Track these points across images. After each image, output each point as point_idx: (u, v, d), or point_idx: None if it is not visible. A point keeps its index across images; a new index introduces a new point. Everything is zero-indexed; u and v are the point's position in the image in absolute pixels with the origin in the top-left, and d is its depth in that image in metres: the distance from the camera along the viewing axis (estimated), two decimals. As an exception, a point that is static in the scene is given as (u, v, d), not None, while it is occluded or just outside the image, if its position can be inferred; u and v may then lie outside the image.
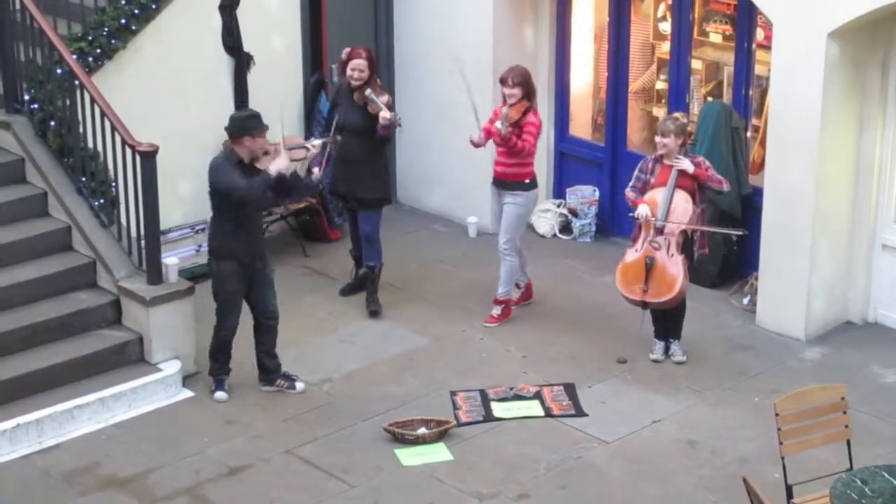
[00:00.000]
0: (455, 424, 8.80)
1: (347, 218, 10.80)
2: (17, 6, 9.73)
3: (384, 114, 9.86)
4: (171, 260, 9.43)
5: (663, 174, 9.39)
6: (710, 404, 9.11)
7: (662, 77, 11.34)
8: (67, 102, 9.57)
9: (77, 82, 9.42)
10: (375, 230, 10.29)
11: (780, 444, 7.17)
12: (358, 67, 9.98)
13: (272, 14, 11.22)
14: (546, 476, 8.31)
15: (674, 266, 9.36)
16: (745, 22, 10.47)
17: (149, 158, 9.02)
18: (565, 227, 11.85)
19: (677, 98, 11.01)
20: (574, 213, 11.75)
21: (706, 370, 9.54)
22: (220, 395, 9.11)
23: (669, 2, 11.06)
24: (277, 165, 8.69)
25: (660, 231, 9.38)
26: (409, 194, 12.37)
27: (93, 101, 9.33)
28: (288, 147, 9.01)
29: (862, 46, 9.53)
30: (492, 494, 8.11)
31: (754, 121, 10.72)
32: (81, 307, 9.25)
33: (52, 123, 9.72)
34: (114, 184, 9.55)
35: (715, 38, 10.85)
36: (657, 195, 9.39)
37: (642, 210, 9.36)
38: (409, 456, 8.50)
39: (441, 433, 8.67)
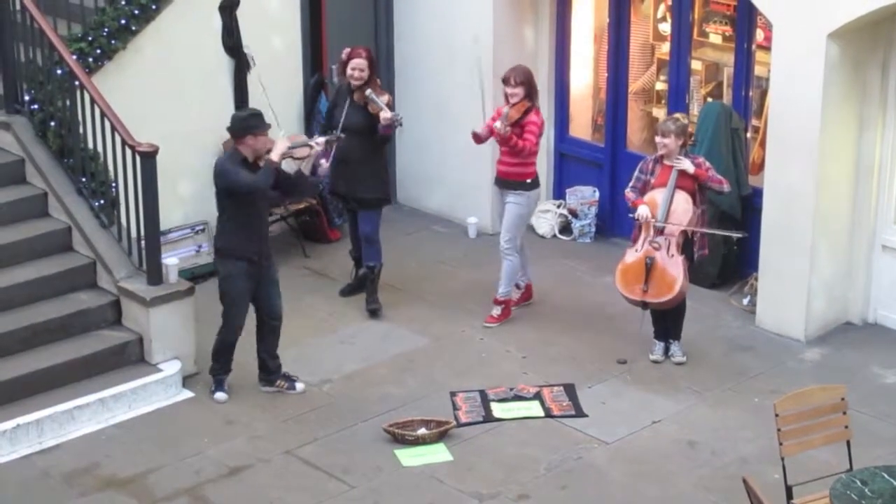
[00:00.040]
0: (455, 425, 8.80)
1: (347, 218, 10.81)
2: (18, 7, 9.73)
3: (385, 113, 9.86)
4: (172, 260, 9.43)
5: (663, 175, 9.40)
6: (710, 405, 9.11)
7: (662, 78, 11.34)
8: (67, 103, 9.57)
9: (77, 83, 9.43)
10: (375, 230, 10.29)
11: (780, 444, 7.18)
12: (358, 67, 9.99)
13: (272, 14, 11.22)
14: (546, 477, 8.31)
15: (674, 266, 9.36)
16: (744, 23, 10.47)
17: (149, 159, 9.02)
18: (565, 228, 11.85)
19: (677, 99, 11.01)
20: (574, 213, 11.76)
21: (706, 371, 9.54)
22: (220, 395, 9.12)
23: (669, 2, 11.06)
24: (278, 150, 8.73)
25: (660, 231, 9.38)
26: (408, 195, 12.37)
27: (93, 101, 9.33)
28: (292, 146, 9.04)
29: (862, 47, 9.53)
30: (492, 495, 8.11)
31: (754, 121, 10.72)
32: (81, 308, 9.26)
33: (53, 124, 9.72)
34: (114, 184, 9.55)
35: (715, 38, 10.85)
36: (657, 196, 9.39)
37: (642, 211, 9.37)
38: (409, 456, 8.50)
39: (441, 434, 8.67)
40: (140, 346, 9.23)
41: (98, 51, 10.06)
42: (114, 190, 9.56)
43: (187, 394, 9.20)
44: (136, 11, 10.21)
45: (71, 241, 9.62)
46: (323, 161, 9.60)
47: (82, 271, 9.48)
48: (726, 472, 8.25)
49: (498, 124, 9.74)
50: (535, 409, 9.05)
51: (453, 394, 9.21)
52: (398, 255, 11.11)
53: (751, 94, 10.60)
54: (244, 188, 8.65)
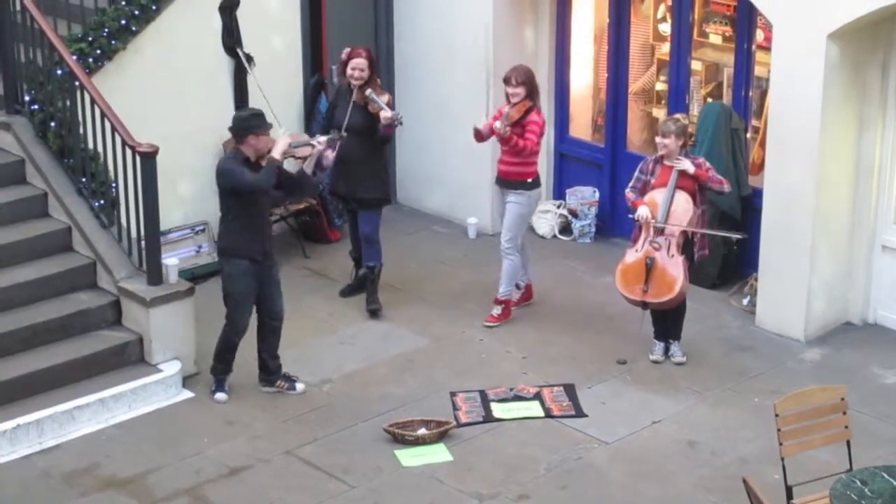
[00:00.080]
0: (455, 425, 8.80)
1: (347, 219, 10.81)
2: (18, 7, 9.73)
3: (385, 113, 9.86)
4: (172, 261, 9.43)
5: (664, 175, 9.40)
6: (710, 405, 9.11)
7: (662, 78, 11.34)
8: (68, 103, 9.57)
9: (77, 83, 9.43)
10: (375, 230, 10.29)
11: (780, 444, 7.17)
12: (359, 66, 9.99)
13: (272, 14, 11.22)
14: (546, 477, 8.31)
15: (674, 267, 9.36)
16: (744, 23, 10.47)
17: (149, 159, 9.03)
18: (565, 228, 11.85)
19: (677, 99, 11.01)
20: (574, 213, 11.76)
21: (706, 371, 9.54)
22: (220, 395, 9.12)
23: (669, 3, 11.07)
24: (279, 148, 8.74)
25: (660, 232, 9.39)
26: (408, 195, 12.37)
27: (93, 101, 9.33)
28: (294, 145, 9.05)
29: (862, 48, 9.53)
30: (492, 495, 8.11)
31: (754, 122, 10.72)
32: (81, 308, 9.26)
33: (53, 124, 9.72)
34: (114, 185, 9.55)
35: (715, 39, 10.85)
36: (657, 196, 9.39)
37: (642, 212, 9.37)
38: (409, 457, 8.50)
39: (441, 434, 8.67)
40: (140, 346, 9.23)
41: (98, 51, 10.06)
42: (114, 190, 9.57)
43: (187, 394, 9.20)
44: (137, 12, 10.22)
45: (71, 242, 9.62)
46: (329, 152, 9.61)
47: (82, 271, 9.48)
48: (726, 473, 8.25)
49: (498, 124, 9.74)
50: (535, 409, 9.05)
51: (453, 394, 9.22)
52: (398, 255, 11.11)
53: (751, 94, 10.61)
54: (247, 187, 8.65)
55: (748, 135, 10.65)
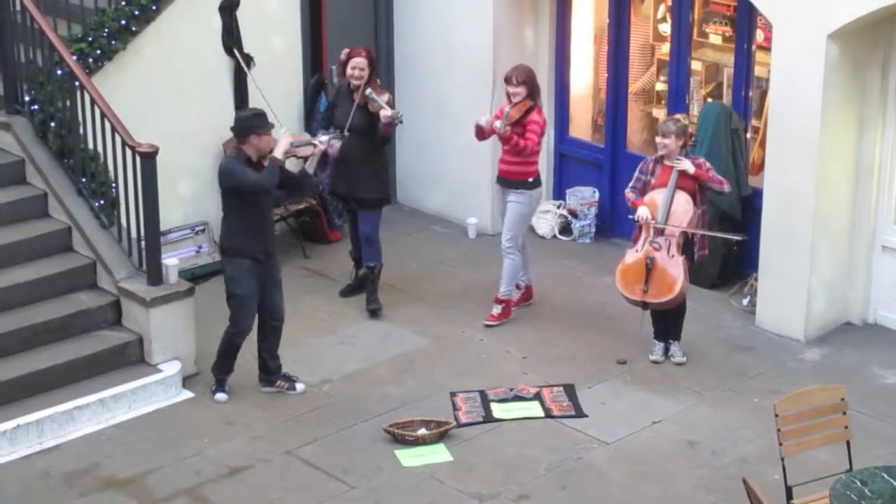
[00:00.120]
0: (455, 425, 8.80)
1: (347, 219, 10.81)
2: (18, 7, 9.73)
3: (385, 112, 9.87)
4: (172, 261, 9.43)
5: (664, 175, 9.40)
6: (710, 405, 9.11)
7: (662, 78, 11.34)
8: (68, 103, 9.57)
9: (77, 83, 9.43)
10: (375, 230, 10.29)
11: (780, 444, 7.18)
12: (358, 66, 10.00)
13: (272, 15, 11.22)
14: (546, 477, 8.31)
15: (674, 267, 9.36)
16: (744, 23, 10.47)
17: (149, 159, 9.03)
18: (565, 229, 11.85)
19: (677, 99, 11.01)
20: (574, 214, 11.76)
21: (706, 371, 9.54)
22: (220, 395, 9.12)
23: (669, 3, 11.07)
24: (281, 147, 8.75)
25: (660, 232, 9.39)
26: (408, 195, 12.37)
27: (93, 102, 9.34)
28: (296, 144, 9.05)
29: (862, 48, 9.53)
30: (492, 495, 8.11)
31: (754, 122, 10.72)
32: (81, 308, 9.26)
33: (53, 124, 9.72)
34: (114, 185, 9.56)
35: (715, 39, 10.85)
36: (657, 196, 9.39)
37: (642, 212, 9.37)
38: (409, 457, 8.50)
39: (441, 434, 8.67)
40: (140, 346, 9.23)
41: (98, 51, 10.06)
42: (114, 190, 9.57)
43: (187, 394, 9.20)
44: (136, 12, 10.22)
45: (71, 242, 9.62)
46: (335, 142, 9.64)
47: (82, 272, 9.48)
48: (726, 473, 8.25)
49: (498, 124, 9.74)
50: (535, 409, 9.05)
51: (453, 394, 9.22)
52: (398, 255, 11.11)
53: (751, 94, 10.60)
54: (250, 187, 8.66)
55: (748, 135, 10.65)
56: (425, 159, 12.15)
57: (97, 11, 10.20)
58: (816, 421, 7.32)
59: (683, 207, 9.34)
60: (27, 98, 9.89)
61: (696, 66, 10.97)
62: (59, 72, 9.55)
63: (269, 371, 9.22)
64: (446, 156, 11.94)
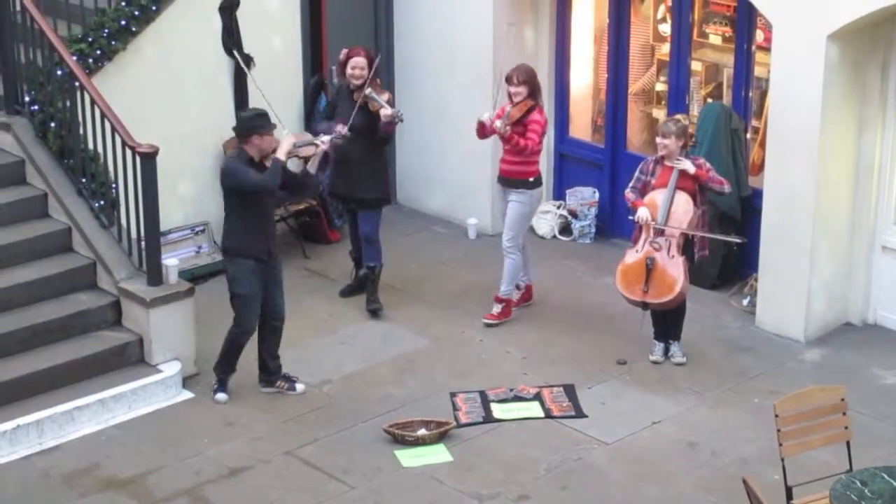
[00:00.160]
0: (455, 426, 8.81)
1: (347, 219, 10.81)
2: (18, 7, 9.73)
3: (385, 110, 9.87)
4: (172, 261, 9.43)
5: (664, 175, 9.40)
6: (710, 405, 9.11)
7: (662, 79, 11.34)
8: (68, 104, 9.58)
9: (77, 84, 9.43)
10: (375, 230, 10.30)
11: (780, 445, 7.18)
12: (358, 65, 10.01)
13: (272, 15, 11.22)
14: (546, 477, 8.31)
15: (674, 267, 9.36)
16: (744, 24, 10.47)
17: (149, 160, 9.03)
18: (565, 229, 11.85)
19: (677, 100, 11.01)
20: (574, 214, 11.76)
21: (706, 371, 9.54)
22: (221, 396, 9.11)
23: (669, 3, 11.07)
24: (284, 148, 8.75)
25: (661, 232, 9.39)
26: (408, 196, 12.37)
27: (93, 102, 9.34)
28: (298, 144, 9.05)
29: (862, 48, 9.53)
30: (492, 496, 8.11)
31: (754, 122, 10.72)
32: (81, 308, 9.26)
33: (53, 125, 9.72)
34: (114, 185, 9.56)
35: (715, 39, 10.85)
36: (657, 197, 9.40)
37: (642, 213, 9.37)
38: (409, 457, 8.50)
39: (441, 434, 8.67)
40: (140, 346, 9.23)
41: (98, 52, 10.07)
42: (114, 191, 9.57)
43: (187, 394, 9.20)
44: (136, 12, 10.22)
45: (71, 242, 9.63)
46: (340, 127, 9.65)
47: (82, 272, 9.48)
48: (726, 473, 8.26)
49: (499, 123, 9.75)
50: (535, 409, 9.05)
51: (453, 394, 9.22)
52: (398, 255, 11.11)
53: (751, 94, 10.61)
54: (252, 188, 8.66)
55: (748, 135, 10.65)
56: (425, 160, 12.15)
57: (97, 12, 10.20)
58: (816, 421, 7.33)
59: (683, 208, 9.34)
60: (27, 98, 9.89)
61: (696, 66, 10.98)
62: (59, 72, 9.55)
63: (269, 371, 9.22)
64: (446, 156, 11.94)
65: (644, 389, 9.30)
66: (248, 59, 10.96)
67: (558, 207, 11.86)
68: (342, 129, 9.79)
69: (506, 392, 9.22)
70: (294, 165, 9.24)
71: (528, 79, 9.85)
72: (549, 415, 8.99)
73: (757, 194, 10.30)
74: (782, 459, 7.21)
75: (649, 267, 9.37)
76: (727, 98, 10.80)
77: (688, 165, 9.29)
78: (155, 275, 9.22)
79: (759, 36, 10.43)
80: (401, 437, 8.62)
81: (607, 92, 11.59)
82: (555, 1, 11.61)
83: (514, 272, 10.17)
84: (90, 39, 10.05)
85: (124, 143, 9.19)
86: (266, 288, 8.97)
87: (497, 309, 10.20)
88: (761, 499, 6.54)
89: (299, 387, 9.24)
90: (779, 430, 7.17)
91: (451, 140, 11.74)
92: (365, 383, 9.38)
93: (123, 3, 10.21)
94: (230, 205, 8.84)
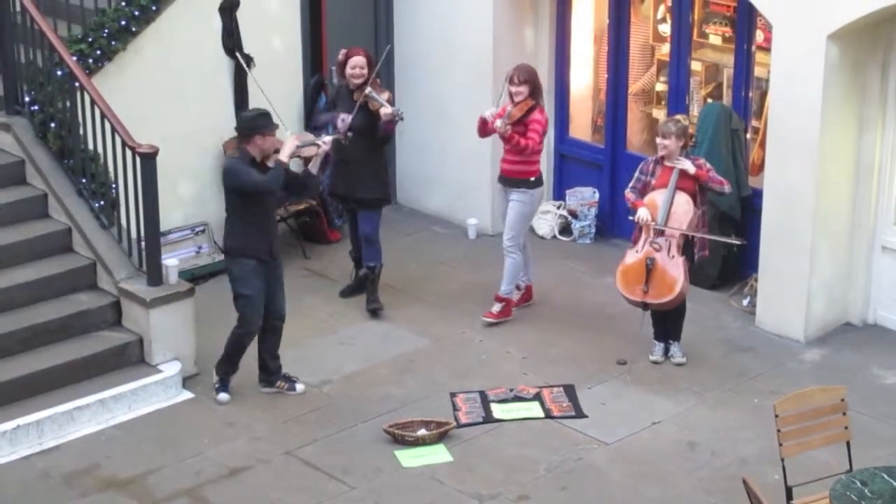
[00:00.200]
0: (455, 426, 8.81)
1: (347, 219, 10.82)
2: (18, 8, 9.73)
3: (385, 109, 9.88)
4: (172, 261, 9.43)
5: (664, 176, 9.40)
6: (710, 406, 9.11)
7: (662, 79, 11.34)
8: (68, 104, 9.58)
9: (77, 84, 9.43)
10: (375, 230, 10.30)
11: (780, 445, 7.18)
12: (358, 65, 10.01)
13: (272, 15, 11.22)
14: (546, 477, 8.31)
15: (674, 268, 9.36)
16: (744, 24, 10.47)
17: (149, 160, 9.03)
18: (565, 229, 11.85)
19: (677, 100, 11.01)
20: (574, 214, 11.76)
21: (706, 372, 9.54)
22: (222, 396, 9.11)
23: (669, 3, 11.07)
24: (287, 150, 8.76)
25: (661, 232, 9.39)
26: (408, 196, 12.37)
27: (93, 102, 9.34)
28: (300, 145, 9.06)
29: (862, 48, 9.53)
30: (492, 496, 8.12)
31: (754, 122, 10.72)
32: (81, 309, 9.26)
33: (53, 125, 9.73)
34: (114, 185, 9.56)
35: (715, 39, 10.85)
36: (657, 197, 9.40)
37: (642, 214, 9.37)
38: (409, 457, 8.50)
39: (441, 434, 8.67)
40: (140, 347, 9.23)
41: (98, 52, 10.07)
42: (114, 191, 9.57)
43: (187, 395, 9.20)
44: (136, 13, 10.22)
45: (71, 242, 9.63)
46: (344, 116, 9.66)
47: (82, 272, 9.48)
48: (726, 473, 8.26)
49: (499, 123, 9.75)
50: (535, 409, 9.05)
51: (453, 394, 9.22)
52: (398, 255, 11.11)
53: (751, 94, 10.61)
54: (254, 188, 8.66)
55: (748, 135, 10.65)
56: (425, 160, 12.15)
57: (97, 12, 10.20)
58: (816, 421, 7.33)
59: (684, 208, 9.35)
60: (27, 98, 9.89)
61: (695, 66, 10.97)
62: (59, 72, 9.55)
63: (269, 371, 9.22)
64: (446, 156, 11.94)
65: (644, 389, 9.30)
66: (249, 60, 10.96)
67: (558, 207, 11.86)
68: (346, 117, 9.79)
69: (506, 392, 9.22)
70: (295, 166, 9.24)
71: (529, 78, 9.85)
72: (549, 415, 8.99)
73: (757, 194, 10.30)
74: (782, 459, 7.21)
75: (649, 267, 9.37)
76: (727, 98, 10.81)
77: (688, 166, 9.29)
78: (155, 275, 9.22)
79: (759, 36, 10.43)
80: (401, 438, 8.63)
81: (607, 92, 11.59)
82: (555, 1, 11.61)
83: (515, 272, 10.17)
84: (90, 40, 10.05)
85: (124, 144, 9.19)
86: (268, 288, 8.97)
87: (497, 308, 10.20)
88: (761, 499, 6.54)
89: (299, 387, 9.24)
90: (779, 431, 7.17)
91: (451, 140, 11.74)
92: (365, 383, 9.38)
93: (123, 3, 10.21)
94: (231, 205, 8.84)
